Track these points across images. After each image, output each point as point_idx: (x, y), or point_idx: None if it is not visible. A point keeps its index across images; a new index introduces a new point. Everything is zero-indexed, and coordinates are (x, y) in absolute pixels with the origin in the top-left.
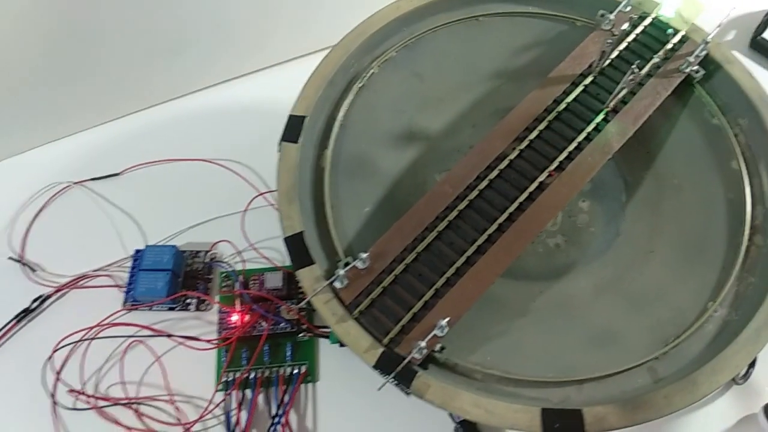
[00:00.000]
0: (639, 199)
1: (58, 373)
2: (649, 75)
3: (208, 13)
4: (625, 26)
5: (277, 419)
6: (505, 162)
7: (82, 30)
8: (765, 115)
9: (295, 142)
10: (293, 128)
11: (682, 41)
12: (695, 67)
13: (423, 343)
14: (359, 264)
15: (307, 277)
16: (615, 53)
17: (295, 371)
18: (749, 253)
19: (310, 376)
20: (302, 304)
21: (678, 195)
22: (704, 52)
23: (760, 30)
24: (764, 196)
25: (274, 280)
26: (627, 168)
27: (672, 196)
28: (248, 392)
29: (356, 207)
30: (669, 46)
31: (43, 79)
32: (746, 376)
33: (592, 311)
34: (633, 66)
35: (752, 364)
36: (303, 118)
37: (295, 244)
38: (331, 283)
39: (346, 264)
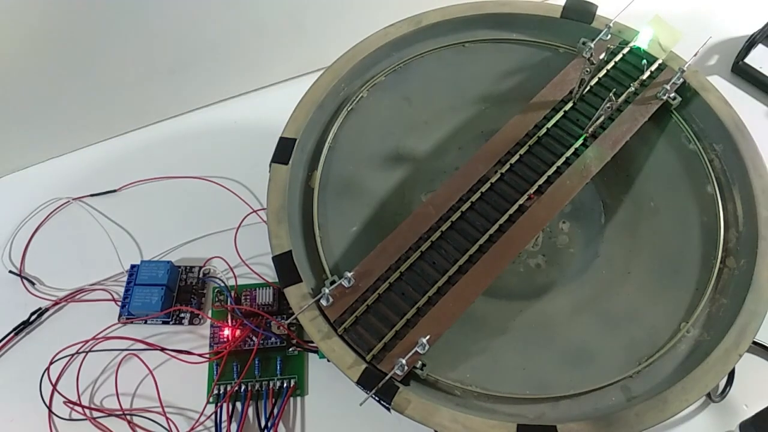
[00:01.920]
0: (617, 221)
1: (55, 384)
2: (627, 101)
3: (205, 36)
4: (603, 55)
5: (266, 431)
6: (487, 185)
7: (82, 51)
8: (739, 142)
9: (286, 163)
10: (283, 150)
11: (660, 69)
12: (672, 94)
13: (404, 360)
14: (345, 282)
15: (294, 294)
16: (594, 80)
17: (285, 385)
18: (722, 275)
19: (299, 389)
20: (290, 320)
21: (655, 217)
22: (681, 80)
23: (741, 55)
24: (737, 220)
25: (265, 296)
26: (606, 191)
27: (649, 219)
28: (238, 405)
29: (344, 226)
30: (646, 74)
31: (44, 98)
32: (723, 393)
33: (569, 330)
34: (611, 93)
35: (729, 382)
36: (293, 140)
37: (283, 262)
38: (317, 300)
39: (332, 282)
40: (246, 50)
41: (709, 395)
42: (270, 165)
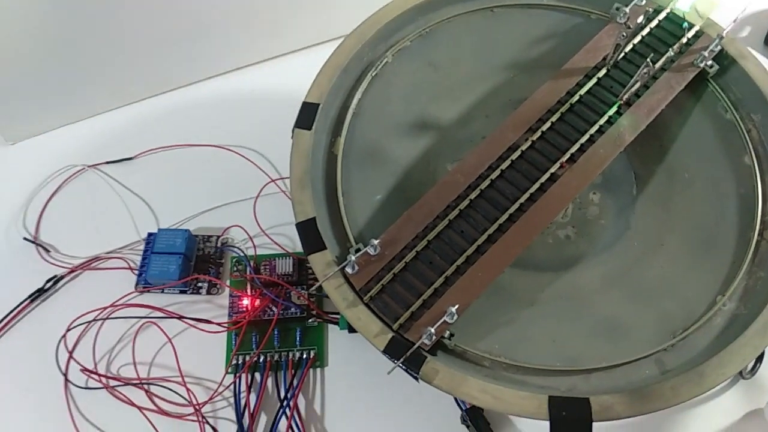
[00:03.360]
0: (650, 192)
1: (71, 352)
2: (663, 69)
3: (221, 2)
4: (640, 19)
5: (285, 402)
6: (517, 153)
7: (100, 15)
8: None
9: (309, 128)
10: (307, 115)
11: (696, 36)
12: (709, 62)
13: (432, 329)
14: (370, 250)
15: (318, 262)
16: (629, 46)
17: (304, 356)
18: (759, 248)
19: (319, 361)
20: (313, 288)
21: (689, 189)
22: (718, 47)
23: None
24: None
25: (285, 266)
26: (638, 161)
27: (683, 190)
28: (257, 375)
29: (368, 194)
30: (683, 40)
31: (60, 63)
32: (753, 371)
33: (600, 302)
34: (647, 59)
35: (759, 359)
36: (317, 105)
37: (307, 229)
38: (343, 268)
39: (357, 250)
40: (265, 16)
41: (739, 372)
42: (293, 130)
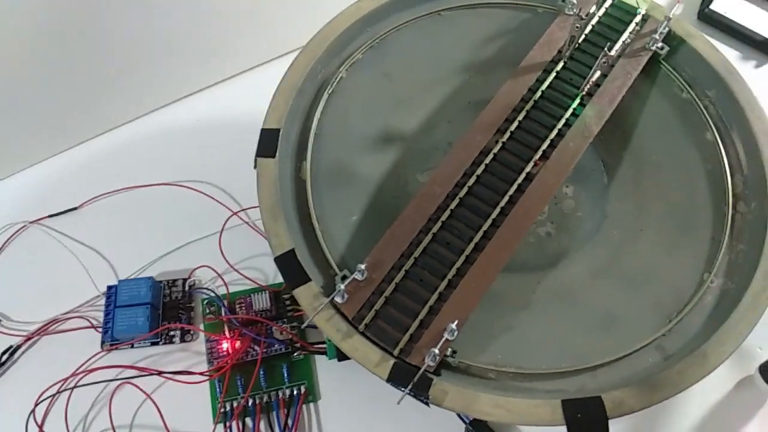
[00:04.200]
0: (620, 179)
1: (41, 427)
2: (618, 56)
3: (157, 30)
4: (593, 9)
5: None
6: (490, 156)
7: (23, 57)
8: (732, 85)
9: (272, 156)
10: (268, 142)
11: (644, 19)
12: (660, 44)
13: (436, 350)
14: (358, 276)
15: (305, 295)
16: (582, 38)
17: (295, 392)
18: (735, 222)
19: (311, 395)
20: (305, 324)
21: (658, 171)
22: (667, 29)
23: (707, 2)
24: (741, 164)
25: (262, 302)
26: (604, 150)
27: (652, 173)
28: (249, 421)
29: (343, 217)
30: (632, 25)
31: None
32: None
33: (591, 296)
34: (604, 48)
35: None
36: (277, 130)
37: (286, 262)
38: (332, 299)
39: (344, 277)
40: (204, 41)
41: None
42: (255, 160)
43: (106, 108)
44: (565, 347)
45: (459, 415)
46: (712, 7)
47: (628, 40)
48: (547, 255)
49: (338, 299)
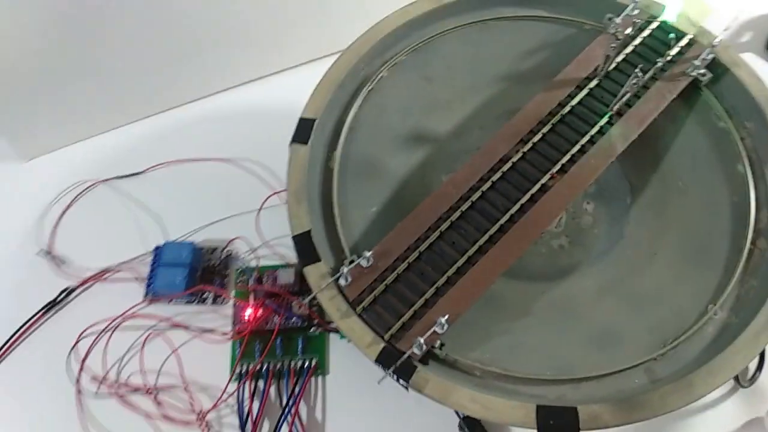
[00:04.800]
0: (644, 201)
1: (83, 361)
2: (654, 78)
3: (226, 18)
4: (629, 30)
5: (287, 410)
6: (508, 164)
7: (110, 33)
8: None
9: (305, 143)
10: (303, 130)
11: (689, 44)
12: (702, 71)
13: (422, 340)
14: (363, 262)
15: (313, 273)
16: (621, 57)
17: (306, 364)
18: (752, 257)
19: (320, 369)
20: (307, 299)
21: (683, 198)
22: (711, 56)
23: None
24: None
25: (287, 277)
26: (632, 171)
27: (677, 199)
28: (260, 383)
29: (363, 207)
30: (675, 50)
31: (73, 81)
32: (753, 379)
33: (593, 312)
34: (636, 69)
35: (759, 368)
36: (313, 120)
37: (302, 242)
38: (336, 280)
39: (351, 262)
40: (267, 32)
41: (738, 380)
42: (290, 145)
43: (177, 86)
44: (555, 356)
45: (456, 411)
46: None
47: (667, 63)
48: (557, 267)
49: (342, 281)
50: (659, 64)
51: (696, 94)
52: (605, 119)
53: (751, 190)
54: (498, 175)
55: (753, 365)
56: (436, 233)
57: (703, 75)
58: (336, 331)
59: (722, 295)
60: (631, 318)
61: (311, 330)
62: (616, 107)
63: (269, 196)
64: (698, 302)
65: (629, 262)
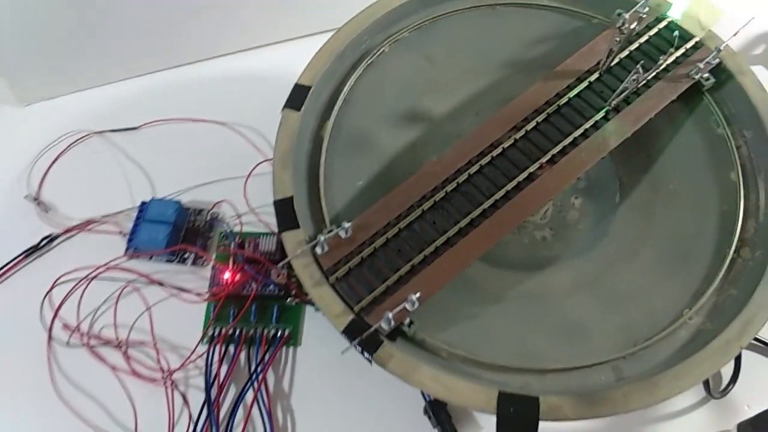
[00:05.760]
0: (632, 201)
1: (57, 309)
2: (657, 78)
3: None
4: (634, 25)
5: (254, 376)
6: (498, 149)
7: None
8: None
9: (298, 110)
10: (297, 96)
11: (696, 47)
12: (706, 75)
13: (391, 315)
14: (342, 233)
15: (290, 240)
16: (625, 53)
17: (279, 333)
18: (734, 265)
19: (293, 339)
20: (282, 263)
21: (672, 201)
22: (716, 60)
23: None
24: (759, 211)
25: (268, 244)
26: (624, 170)
27: (666, 201)
28: (231, 348)
29: (350, 180)
30: (680, 51)
31: (75, 31)
32: (725, 391)
33: (565, 305)
34: (638, 66)
35: (734, 380)
36: (308, 87)
37: (283, 207)
38: (313, 247)
39: (329, 231)
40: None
41: (709, 391)
42: (282, 110)
43: (179, 45)
44: (522, 345)
45: (422, 394)
46: None
47: (671, 64)
48: (536, 258)
49: (318, 249)
50: (662, 64)
51: (697, 98)
52: (601, 114)
53: (741, 199)
54: (486, 159)
55: (727, 377)
56: (418, 211)
57: (707, 79)
58: (311, 303)
59: (699, 300)
60: (604, 315)
61: (288, 300)
62: (614, 103)
63: (259, 163)
64: (674, 305)
65: (609, 260)
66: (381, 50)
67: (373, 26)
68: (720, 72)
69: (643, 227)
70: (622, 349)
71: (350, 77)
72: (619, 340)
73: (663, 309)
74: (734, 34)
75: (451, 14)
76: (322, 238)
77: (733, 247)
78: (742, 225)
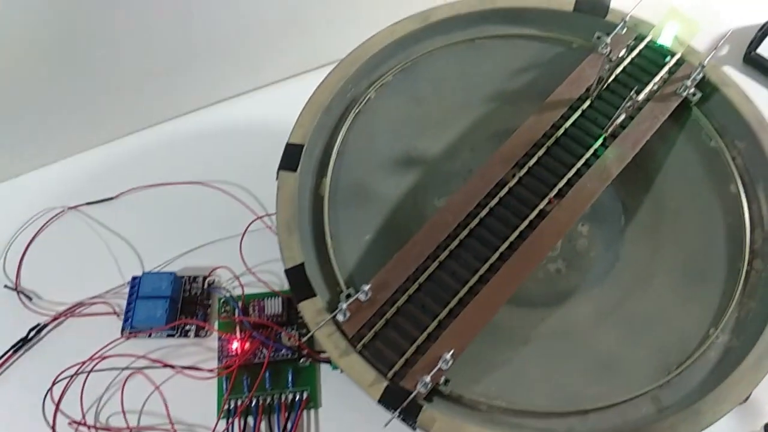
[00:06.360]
0: (638, 222)
1: (58, 404)
2: (647, 99)
3: (202, 33)
4: (623, 53)
5: None
6: (505, 189)
7: (74, 52)
8: (763, 139)
9: (294, 170)
10: (291, 157)
11: (678, 64)
12: (692, 90)
13: (428, 378)
14: (361, 296)
15: (309, 309)
16: (611, 78)
17: (297, 397)
18: (749, 278)
19: (312, 401)
20: (305, 338)
21: (676, 218)
22: (701, 75)
23: (753, 45)
24: (763, 220)
25: (274, 307)
26: (625, 192)
27: (670, 220)
28: (250, 420)
29: (356, 235)
30: (665, 69)
31: (35, 103)
32: (746, 396)
33: (594, 338)
34: (632, 91)
35: None
36: (301, 146)
37: (296, 276)
38: (334, 316)
39: (348, 296)
40: (245, 48)
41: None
42: (277, 173)
43: (148, 105)
44: (560, 387)
45: None
46: (759, 51)
47: (659, 84)
48: (555, 292)
49: (340, 317)
50: (654, 86)
51: (686, 114)
52: (599, 142)
53: (744, 211)
54: (495, 200)
55: None
56: (435, 263)
57: (694, 95)
58: (327, 361)
59: (722, 318)
60: (633, 344)
61: (301, 361)
62: (610, 129)
63: (253, 221)
64: (699, 326)
65: (627, 285)
66: (367, 97)
67: (357, 73)
68: (705, 86)
69: (652, 248)
70: (657, 379)
71: (340, 129)
72: (653, 368)
73: (689, 331)
74: (714, 49)
75: (431, 52)
76: (343, 305)
77: (746, 260)
78: (750, 236)
